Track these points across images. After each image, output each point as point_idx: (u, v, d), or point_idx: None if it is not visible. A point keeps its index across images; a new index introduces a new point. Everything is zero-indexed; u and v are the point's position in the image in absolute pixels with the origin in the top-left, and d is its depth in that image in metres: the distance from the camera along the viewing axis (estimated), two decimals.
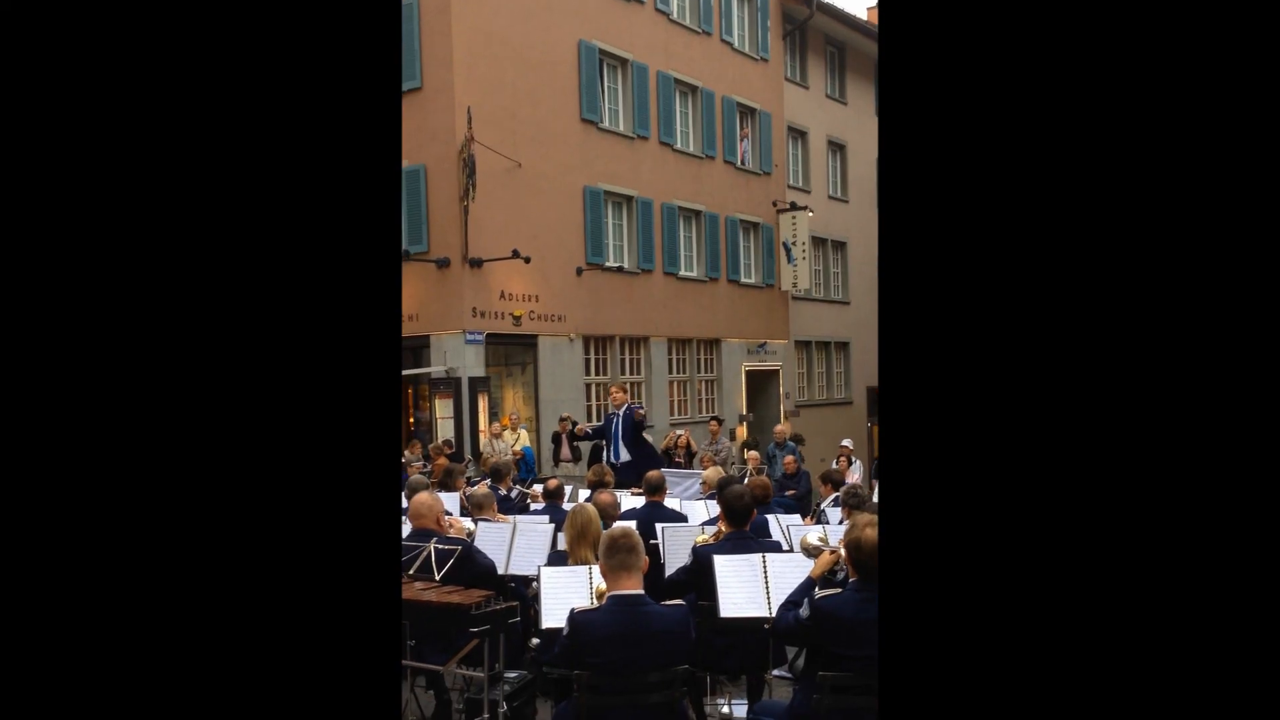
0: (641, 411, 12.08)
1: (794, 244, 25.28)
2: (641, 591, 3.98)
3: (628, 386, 17.53)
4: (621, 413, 11.89)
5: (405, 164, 18.17)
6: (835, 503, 9.01)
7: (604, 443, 12.69)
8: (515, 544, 6.45)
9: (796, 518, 8.00)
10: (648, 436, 12.90)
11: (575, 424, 15.73)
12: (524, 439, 16.49)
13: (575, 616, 3.99)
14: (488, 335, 18.24)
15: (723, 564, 5.22)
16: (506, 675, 5.10)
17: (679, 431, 15.78)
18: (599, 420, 16.61)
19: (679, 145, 22.60)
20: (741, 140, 24.66)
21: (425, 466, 12.51)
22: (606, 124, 20.71)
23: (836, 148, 28.70)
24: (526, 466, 15.34)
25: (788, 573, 5.14)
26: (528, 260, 17.64)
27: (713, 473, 9.87)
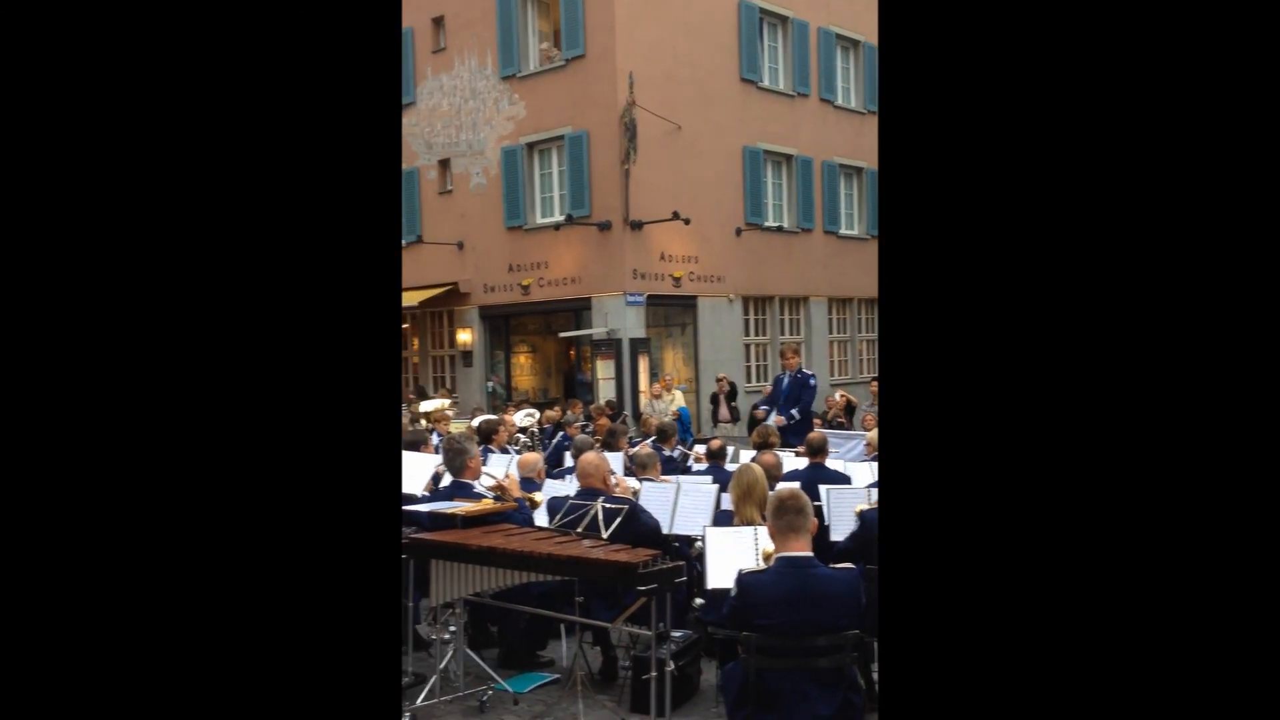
0: (804, 375, 11.91)
1: None
2: (810, 554, 3.94)
3: (800, 348, 17.34)
4: (789, 376, 11.76)
5: (569, 130, 18.39)
6: None
7: (766, 406, 12.58)
8: (679, 504, 6.49)
9: None
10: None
11: (732, 385, 15.65)
12: (679, 400, 16.57)
13: (743, 578, 3.98)
14: (648, 297, 18.34)
15: None
16: (672, 634, 5.15)
17: (836, 395, 15.56)
18: (762, 380, 16.52)
19: (839, 101, 22.12)
20: None
21: (587, 427, 12.70)
22: (766, 83, 20.43)
23: None
24: (683, 427, 15.40)
25: None
26: (687, 222, 17.63)
27: (877, 434, 9.69)
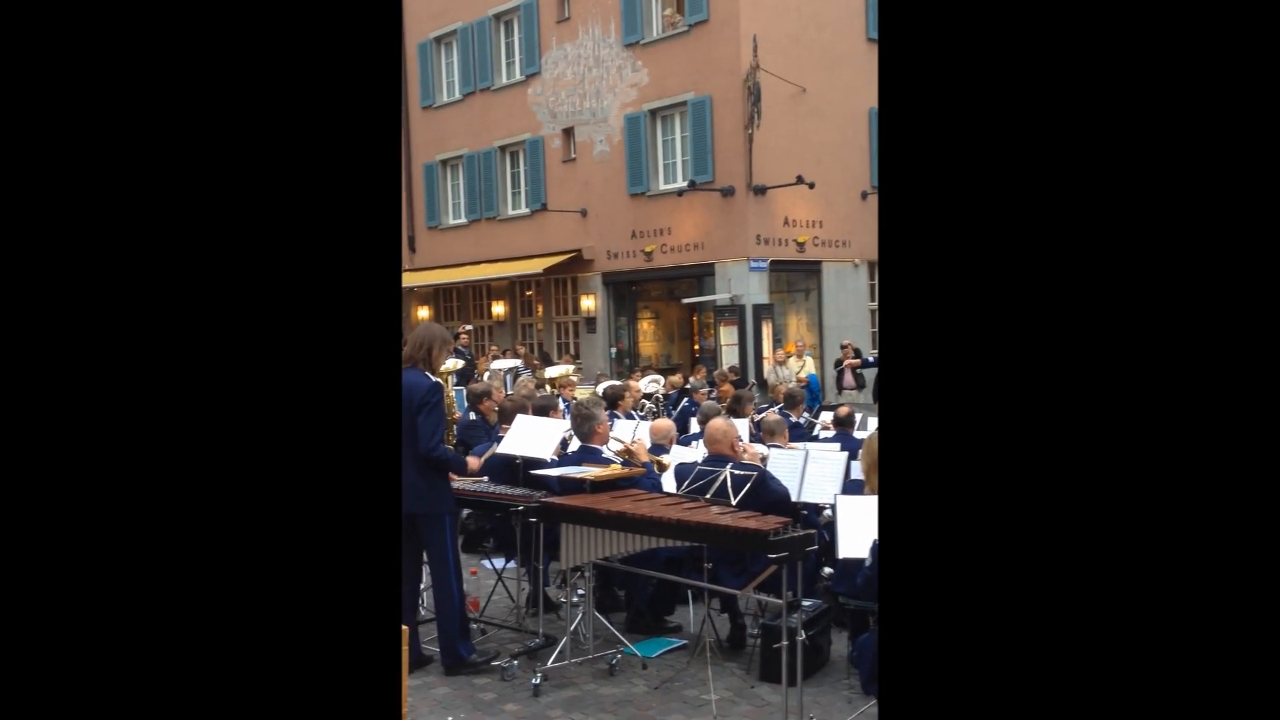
0: None
1: None
2: None
3: None
4: None
5: (691, 95, 18.28)
6: None
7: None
8: (807, 471, 6.41)
9: None
10: None
11: (858, 352, 15.55)
12: (810, 366, 16.40)
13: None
14: (771, 262, 18.18)
15: None
16: (801, 603, 5.10)
17: None
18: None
19: None
20: None
21: (711, 393, 12.67)
22: None
23: None
24: (811, 394, 15.25)
25: None
26: (812, 186, 17.37)
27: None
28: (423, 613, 6.02)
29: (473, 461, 6.05)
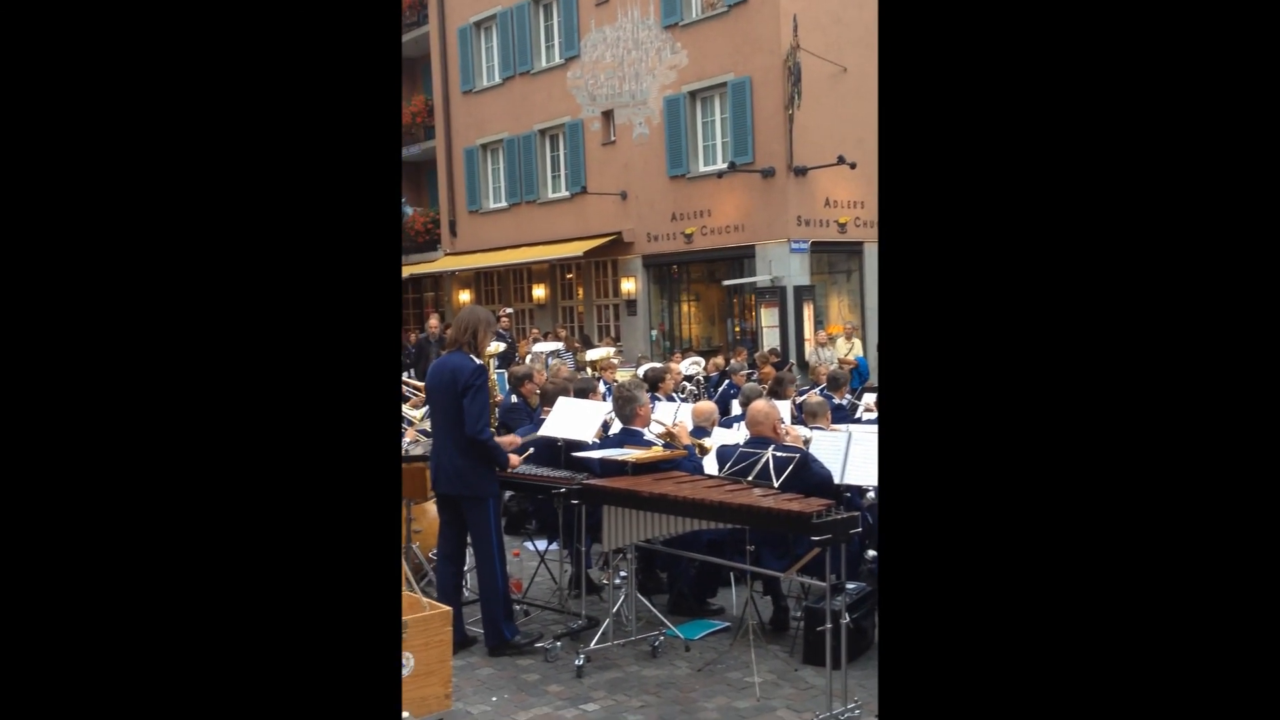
0: None
1: None
2: None
3: None
4: None
5: (731, 77, 18.15)
6: None
7: None
8: (850, 454, 6.36)
9: None
10: None
11: None
12: (858, 349, 16.29)
13: None
14: (812, 243, 18.06)
15: None
16: (845, 586, 5.08)
17: None
18: None
19: None
20: None
21: (752, 375, 12.62)
22: None
23: None
24: (860, 377, 15.14)
25: None
26: (853, 166, 17.21)
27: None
28: (467, 594, 6.06)
29: (512, 439, 6.06)
